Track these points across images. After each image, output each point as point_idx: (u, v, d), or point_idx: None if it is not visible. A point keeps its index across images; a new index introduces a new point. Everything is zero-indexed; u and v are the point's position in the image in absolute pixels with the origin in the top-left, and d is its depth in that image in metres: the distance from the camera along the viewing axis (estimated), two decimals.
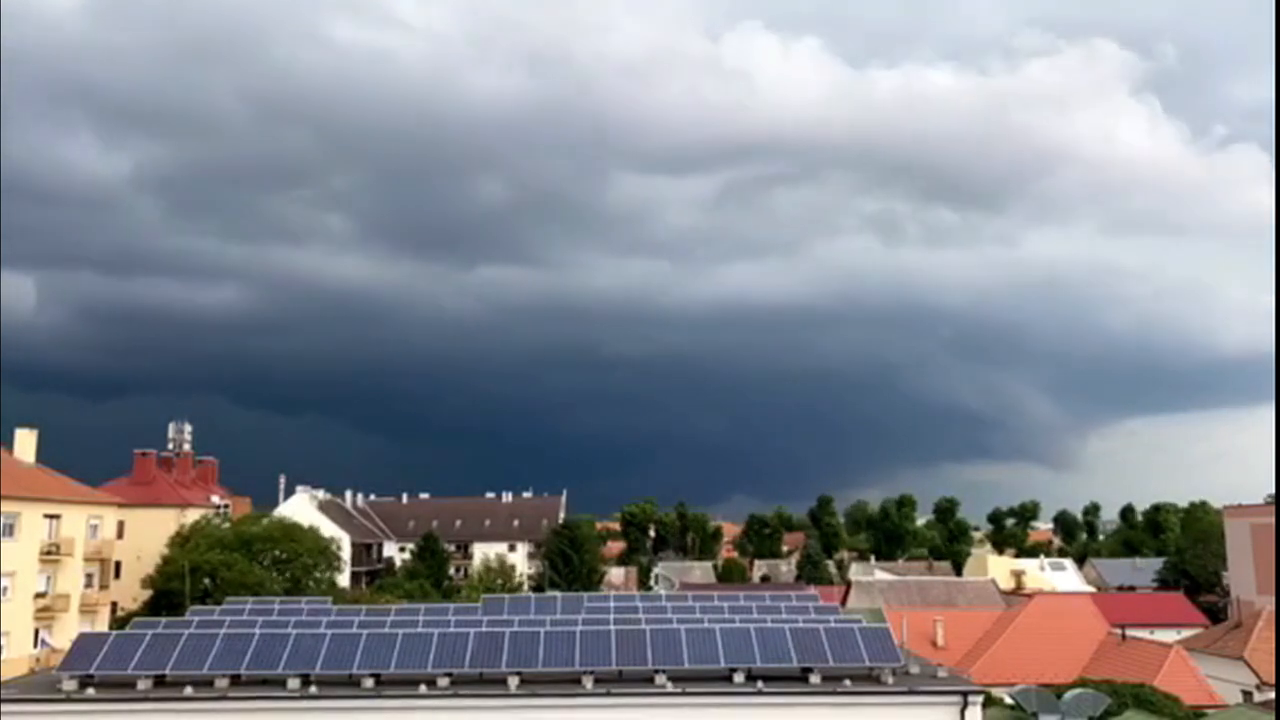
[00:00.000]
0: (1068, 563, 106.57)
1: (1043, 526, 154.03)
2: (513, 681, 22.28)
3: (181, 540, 68.80)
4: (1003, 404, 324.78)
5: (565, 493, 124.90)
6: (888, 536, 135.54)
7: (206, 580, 63.38)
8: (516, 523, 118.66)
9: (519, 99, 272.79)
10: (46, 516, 58.41)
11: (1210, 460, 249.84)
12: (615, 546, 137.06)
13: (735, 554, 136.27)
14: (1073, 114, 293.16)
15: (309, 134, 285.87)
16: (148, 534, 71.76)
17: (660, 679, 22.42)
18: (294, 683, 22.19)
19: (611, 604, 31.35)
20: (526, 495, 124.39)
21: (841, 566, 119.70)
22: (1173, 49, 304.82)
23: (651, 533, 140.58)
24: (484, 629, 24.15)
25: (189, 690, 21.83)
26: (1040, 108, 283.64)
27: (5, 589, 53.76)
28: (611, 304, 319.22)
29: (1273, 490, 77.78)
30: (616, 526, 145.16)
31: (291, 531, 71.34)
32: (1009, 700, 32.46)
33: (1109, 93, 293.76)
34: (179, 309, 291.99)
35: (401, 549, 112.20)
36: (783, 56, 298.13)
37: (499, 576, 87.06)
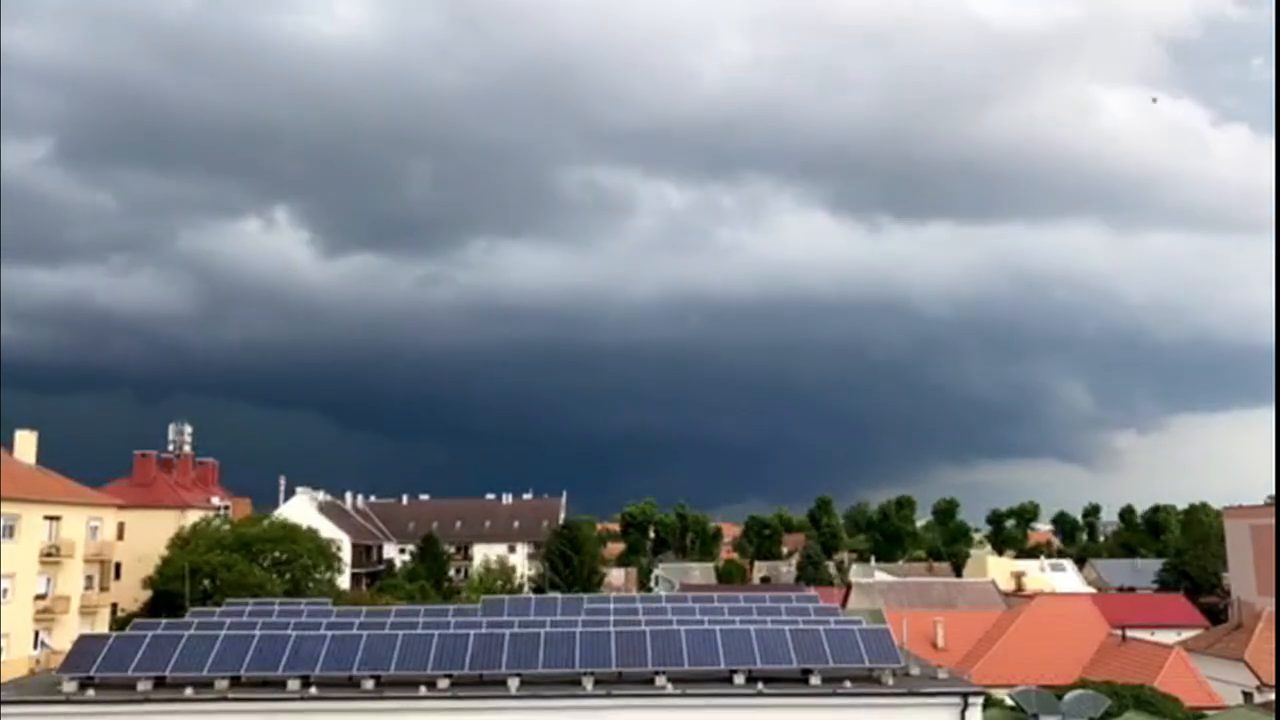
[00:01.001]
0: (1068, 564, 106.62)
1: (1042, 528, 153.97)
2: (513, 683, 22.30)
3: (182, 542, 68.73)
4: (1002, 403, 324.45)
5: (565, 494, 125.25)
6: (887, 537, 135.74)
7: (206, 581, 63.28)
8: (516, 524, 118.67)
9: (490, 76, 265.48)
10: (46, 518, 58.39)
11: (1210, 460, 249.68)
12: (615, 548, 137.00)
13: (735, 555, 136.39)
14: (1069, 97, 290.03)
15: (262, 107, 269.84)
16: (148, 535, 71.70)
17: (660, 680, 22.44)
18: (294, 684, 22.21)
19: (611, 605, 31.31)
20: (526, 496, 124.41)
21: (841, 568, 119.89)
22: (1172, 31, 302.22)
23: (651, 534, 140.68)
24: (484, 630, 24.17)
25: (189, 691, 21.86)
26: (1033, 90, 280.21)
27: (5, 591, 53.75)
28: (611, 300, 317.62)
29: (1273, 491, 77.82)
30: (616, 528, 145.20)
31: (291, 533, 71.33)
32: (1009, 701, 32.41)
33: (1109, 78, 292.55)
34: (102, 300, 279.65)
35: (401, 550, 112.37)
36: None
37: (499, 578, 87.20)
